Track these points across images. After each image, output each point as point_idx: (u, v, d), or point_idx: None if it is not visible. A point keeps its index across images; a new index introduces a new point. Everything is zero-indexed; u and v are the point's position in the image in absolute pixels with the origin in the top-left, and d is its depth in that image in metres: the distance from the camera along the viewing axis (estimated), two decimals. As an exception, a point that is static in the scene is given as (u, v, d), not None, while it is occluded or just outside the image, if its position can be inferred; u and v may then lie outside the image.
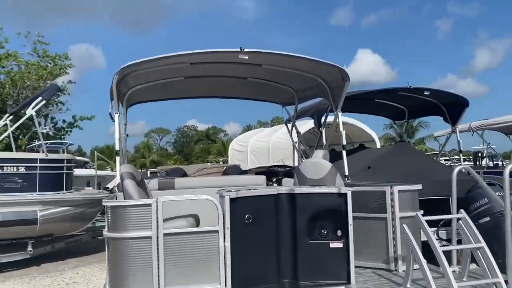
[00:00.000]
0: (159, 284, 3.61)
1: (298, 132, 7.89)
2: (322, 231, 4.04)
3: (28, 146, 22.05)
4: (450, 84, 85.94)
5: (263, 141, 14.73)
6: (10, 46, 25.95)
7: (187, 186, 5.00)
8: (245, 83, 6.96)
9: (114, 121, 5.59)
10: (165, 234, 3.66)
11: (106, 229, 3.82)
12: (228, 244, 3.72)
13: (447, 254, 4.56)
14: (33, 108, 8.86)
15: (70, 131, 27.13)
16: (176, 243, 3.69)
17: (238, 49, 5.20)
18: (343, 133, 6.20)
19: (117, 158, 5.65)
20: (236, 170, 8.32)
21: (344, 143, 6.18)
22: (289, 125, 8.19)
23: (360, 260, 4.59)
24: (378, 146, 13.71)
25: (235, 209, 3.81)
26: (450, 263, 4.54)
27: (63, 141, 21.90)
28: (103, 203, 3.82)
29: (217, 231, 3.73)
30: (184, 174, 8.11)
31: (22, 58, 23.46)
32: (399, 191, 4.42)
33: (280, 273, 3.96)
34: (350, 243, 4.01)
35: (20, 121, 9.23)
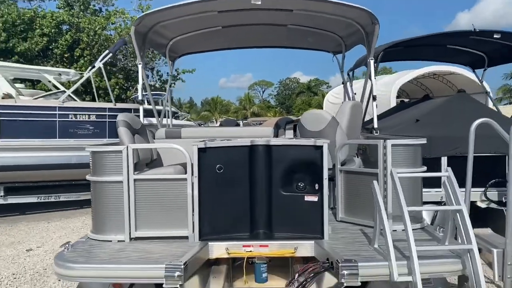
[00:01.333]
0: (130, 227, 3.85)
1: (343, 83, 7.55)
2: (299, 184, 3.92)
3: (132, 97, 24.03)
4: None
5: (357, 94, 14.06)
6: (118, 3, 27.76)
7: (193, 136, 5.12)
8: (290, 32, 6.78)
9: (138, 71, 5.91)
10: (135, 180, 3.85)
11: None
12: (196, 192, 3.81)
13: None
14: (100, 61, 9.59)
15: (174, 83, 28.79)
16: (147, 189, 3.87)
17: None
18: (373, 82, 5.81)
19: (140, 108, 5.96)
20: (284, 122, 8.33)
21: (374, 93, 5.80)
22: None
23: (353, 216, 4.40)
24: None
25: (205, 159, 3.85)
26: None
27: (162, 92, 23.43)
28: (86, 149, 4.11)
29: (185, 179, 3.83)
30: (237, 125, 8.36)
31: (128, 14, 25.19)
32: (393, 145, 4.06)
33: (253, 223, 3.95)
34: (324, 197, 3.84)
35: (90, 73, 10.01)
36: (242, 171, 3.92)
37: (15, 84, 14.41)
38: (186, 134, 5.18)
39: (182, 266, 3.18)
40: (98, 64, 9.58)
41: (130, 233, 3.85)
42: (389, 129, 7.19)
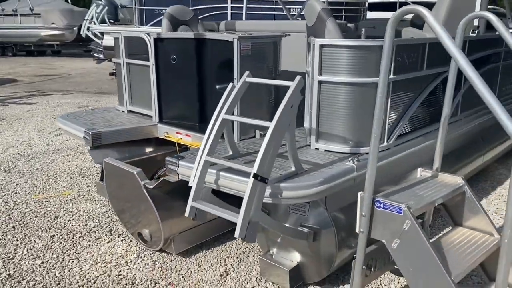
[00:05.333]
0: (126, 100, 4.73)
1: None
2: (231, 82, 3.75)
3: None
4: None
5: None
6: None
7: (243, 29, 5.15)
8: None
9: None
10: (127, 63, 4.60)
11: None
12: (154, 78, 4.27)
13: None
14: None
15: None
16: (136, 72, 4.58)
17: None
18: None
19: (243, 6, 6.27)
20: None
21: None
22: None
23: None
24: None
25: (161, 49, 4.17)
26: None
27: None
28: (113, 36, 4.98)
29: (148, 66, 4.31)
30: None
31: None
32: (322, 45, 3.20)
33: (203, 113, 4.10)
34: (235, 99, 3.57)
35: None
36: (189, 63, 4.04)
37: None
38: (240, 27, 5.27)
39: (90, 133, 3.94)
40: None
41: (127, 107, 4.76)
42: None
